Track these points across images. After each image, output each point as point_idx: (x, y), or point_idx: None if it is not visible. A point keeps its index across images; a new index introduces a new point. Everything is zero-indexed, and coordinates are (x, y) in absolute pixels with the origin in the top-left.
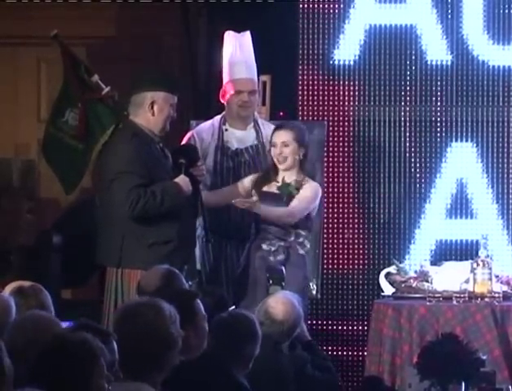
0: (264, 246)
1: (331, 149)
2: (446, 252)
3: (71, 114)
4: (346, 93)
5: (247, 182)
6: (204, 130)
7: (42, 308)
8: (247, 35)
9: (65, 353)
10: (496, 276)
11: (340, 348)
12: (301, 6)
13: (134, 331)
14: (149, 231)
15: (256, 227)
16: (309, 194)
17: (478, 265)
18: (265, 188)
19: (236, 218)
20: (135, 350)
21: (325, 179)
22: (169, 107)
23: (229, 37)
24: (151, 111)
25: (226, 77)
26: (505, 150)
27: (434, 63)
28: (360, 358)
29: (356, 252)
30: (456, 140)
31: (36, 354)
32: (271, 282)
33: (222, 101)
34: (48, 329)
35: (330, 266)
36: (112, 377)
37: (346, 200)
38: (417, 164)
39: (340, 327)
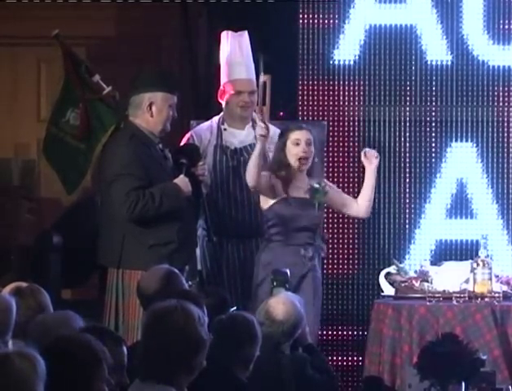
0: (302, 251)
1: (331, 149)
2: (446, 252)
3: (72, 114)
4: (346, 93)
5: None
6: (202, 130)
7: (41, 308)
8: (245, 35)
9: (68, 355)
10: (496, 276)
11: (340, 353)
12: (301, 6)
13: (164, 334)
14: (150, 232)
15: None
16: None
17: (478, 265)
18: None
19: (237, 217)
20: (164, 354)
21: (325, 179)
22: (169, 107)
23: (227, 36)
24: (149, 112)
25: (224, 77)
26: (505, 150)
27: (434, 63)
28: (360, 364)
29: (356, 252)
30: (456, 140)
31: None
32: (275, 284)
33: (220, 101)
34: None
35: (330, 266)
36: (112, 381)
37: None
38: (417, 164)
39: (340, 332)
